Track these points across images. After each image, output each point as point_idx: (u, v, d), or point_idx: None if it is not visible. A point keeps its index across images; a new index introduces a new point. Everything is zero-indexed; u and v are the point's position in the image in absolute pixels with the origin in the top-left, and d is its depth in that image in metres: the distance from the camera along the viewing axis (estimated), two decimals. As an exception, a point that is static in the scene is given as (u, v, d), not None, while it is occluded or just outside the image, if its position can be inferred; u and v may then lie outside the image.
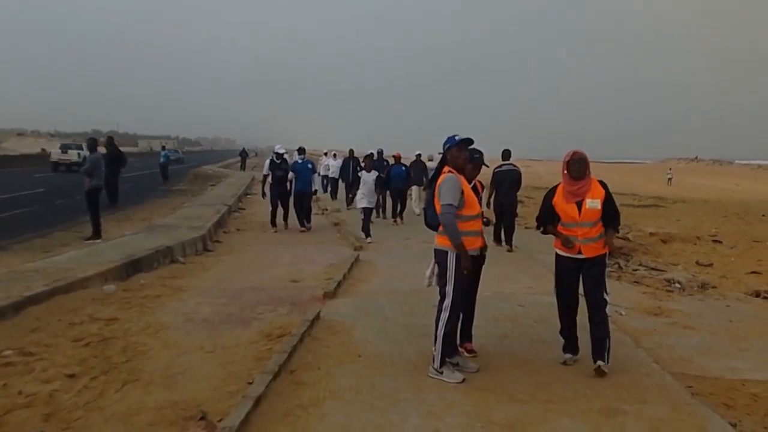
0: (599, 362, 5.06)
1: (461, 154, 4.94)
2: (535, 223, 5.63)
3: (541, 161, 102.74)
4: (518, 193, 12.01)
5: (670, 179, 52.84)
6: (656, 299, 8.15)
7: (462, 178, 4.92)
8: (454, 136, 4.96)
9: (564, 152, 5.27)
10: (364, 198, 12.57)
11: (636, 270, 10.45)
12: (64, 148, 40.02)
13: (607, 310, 5.26)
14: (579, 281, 5.31)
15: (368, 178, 12.79)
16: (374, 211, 13.47)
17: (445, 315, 4.90)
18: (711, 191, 41.19)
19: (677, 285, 9.15)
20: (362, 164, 14.70)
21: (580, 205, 5.12)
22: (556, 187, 5.36)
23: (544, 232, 5.46)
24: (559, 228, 5.25)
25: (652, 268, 10.67)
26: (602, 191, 5.17)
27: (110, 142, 19.60)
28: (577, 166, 5.10)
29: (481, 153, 5.37)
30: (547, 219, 5.36)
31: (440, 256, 4.95)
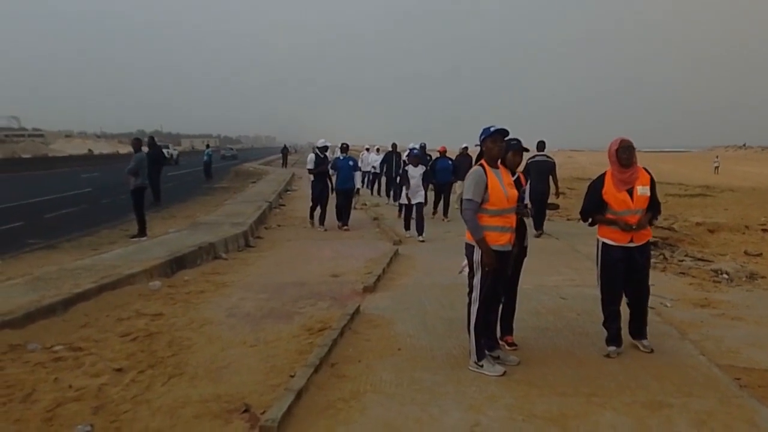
0: (644, 341, 5.37)
1: (495, 146, 4.86)
2: (580, 216, 5.57)
3: (583, 152, 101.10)
4: (559, 185, 12.11)
5: (717, 167, 51.47)
6: (703, 290, 7.96)
7: (491, 172, 4.83)
8: (489, 127, 4.88)
9: (607, 142, 5.22)
10: (409, 194, 12.12)
11: (682, 261, 10.22)
12: None
13: (652, 301, 5.25)
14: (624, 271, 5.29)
15: (415, 173, 12.20)
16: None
17: (474, 308, 4.87)
18: (760, 179, 40.01)
19: (725, 276, 8.92)
20: (405, 159, 14.48)
21: (631, 192, 5.12)
22: (602, 177, 5.29)
23: (592, 224, 5.39)
24: (610, 217, 5.20)
25: (699, 259, 10.43)
26: (648, 177, 5.23)
27: (152, 142, 19.98)
28: (627, 153, 5.09)
29: (518, 140, 5.29)
30: (595, 209, 5.30)
31: (468, 250, 4.93)
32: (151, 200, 16.41)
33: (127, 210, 13.92)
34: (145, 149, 13.39)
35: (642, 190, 5.13)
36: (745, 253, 11.16)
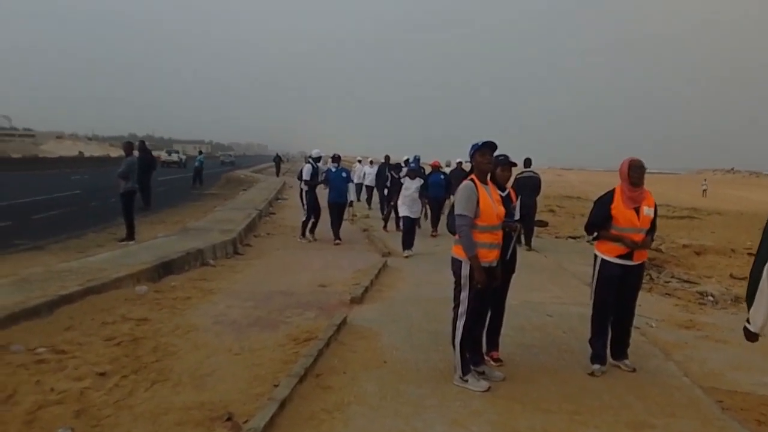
0: (626, 361, 5.45)
1: (484, 159, 4.87)
2: (585, 229, 5.64)
3: (572, 170, 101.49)
4: (548, 203, 12.27)
5: (705, 190, 51.87)
6: (688, 312, 8.02)
7: (481, 187, 4.82)
8: (478, 142, 4.93)
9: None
10: (404, 207, 11.69)
11: (668, 282, 10.28)
12: (169, 152, 61.45)
13: (638, 321, 5.29)
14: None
15: (411, 185, 11.84)
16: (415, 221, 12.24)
17: (460, 323, 4.87)
18: (747, 203, 40.35)
19: (710, 298, 8.97)
20: (399, 171, 14.30)
21: (637, 211, 5.22)
22: (612, 192, 5.37)
23: (597, 238, 5.44)
24: (614, 233, 5.25)
25: (685, 281, 10.49)
26: (653, 200, 5.36)
27: (142, 146, 19.94)
28: (639, 173, 5.21)
29: (506, 155, 5.31)
30: (601, 224, 5.35)
31: (455, 265, 4.91)
32: (140, 204, 16.34)
33: (115, 213, 13.85)
34: (136, 153, 13.34)
35: (648, 210, 5.26)
36: (731, 276, 11.24)
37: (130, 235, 12.02)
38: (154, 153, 24.51)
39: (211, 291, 7.96)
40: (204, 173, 32.95)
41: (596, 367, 5.30)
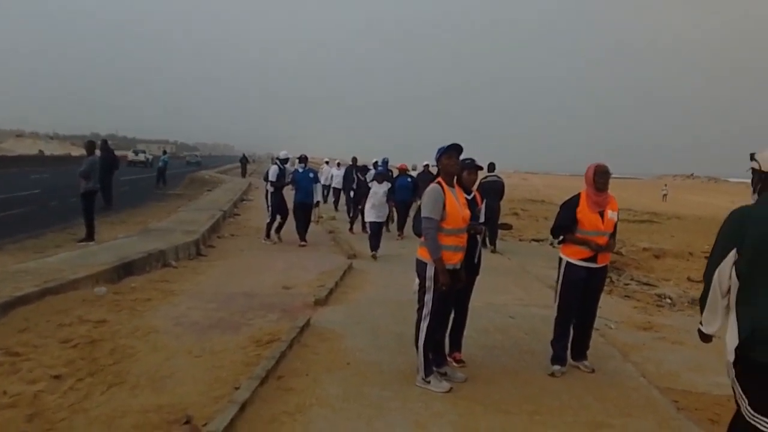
0: (585, 362, 5.55)
1: (451, 161, 4.92)
2: (551, 233, 5.74)
3: (537, 174, 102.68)
4: (512, 206, 12.47)
5: (665, 195, 52.89)
6: (646, 314, 8.17)
7: (448, 191, 4.86)
8: (445, 145, 4.95)
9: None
10: (372, 211, 11.67)
11: (627, 284, 10.47)
12: (136, 152, 62.39)
13: (597, 323, 5.38)
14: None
15: (379, 189, 11.87)
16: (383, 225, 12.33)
17: (423, 324, 4.89)
18: (706, 208, 41.25)
19: (668, 300, 9.17)
20: (366, 173, 14.31)
21: (602, 215, 5.31)
22: (577, 196, 5.44)
23: (562, 241, 5.52)
24: (579, 236, 5.33)
25: (644, 283, 10.69)
26: (617, 204, 5.48)
27: (104, 145, 19.59)
28: (604, 178, 5.30)
29: (472, 159, 5.37)
30: (567, 227, 5.43)
31: (419, 267, 4.94)
32: (101, 204, 16.04)
33: (76, 213, 13.56)
34: (98, 152, 13.07)
35: (612, 214, 5.36)
36: (689, 279, 11.49)
37: (90, 236, 11.78)
38: (120, 153, 24.19)
39: (172, 292, 7.84)
40: (168, 173, 32.48)
41: (556, 368, 5.37)
